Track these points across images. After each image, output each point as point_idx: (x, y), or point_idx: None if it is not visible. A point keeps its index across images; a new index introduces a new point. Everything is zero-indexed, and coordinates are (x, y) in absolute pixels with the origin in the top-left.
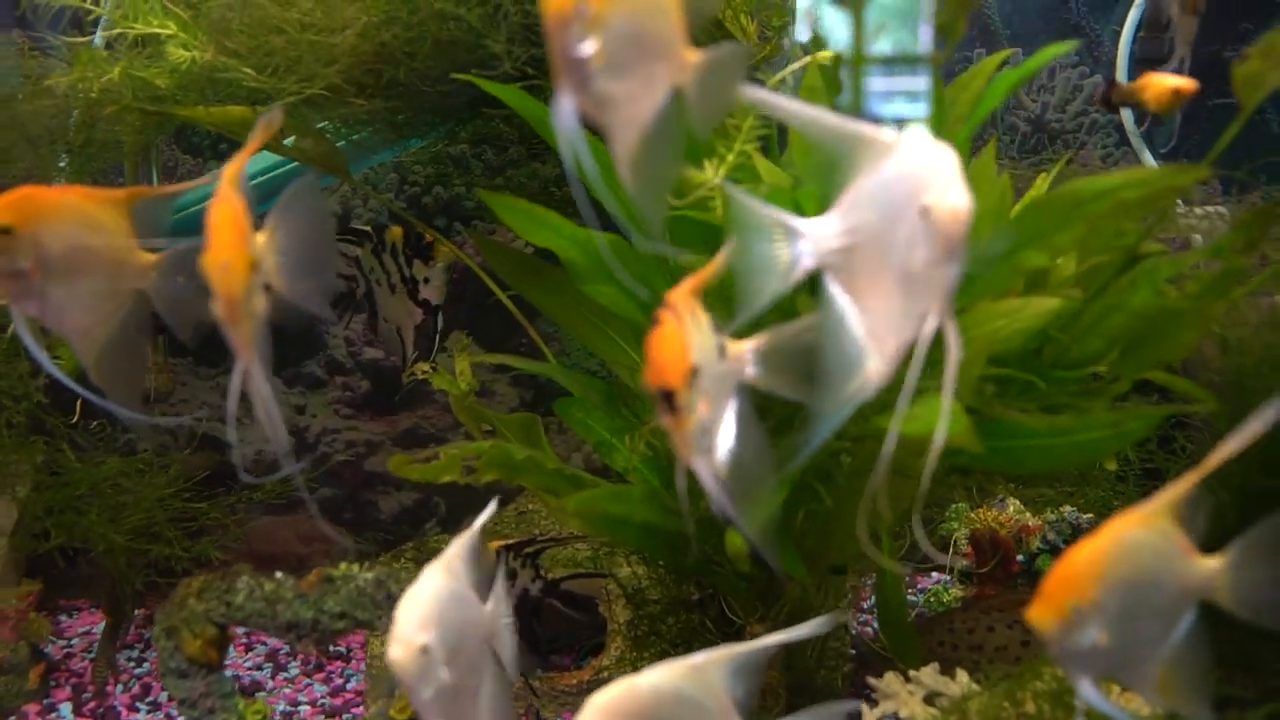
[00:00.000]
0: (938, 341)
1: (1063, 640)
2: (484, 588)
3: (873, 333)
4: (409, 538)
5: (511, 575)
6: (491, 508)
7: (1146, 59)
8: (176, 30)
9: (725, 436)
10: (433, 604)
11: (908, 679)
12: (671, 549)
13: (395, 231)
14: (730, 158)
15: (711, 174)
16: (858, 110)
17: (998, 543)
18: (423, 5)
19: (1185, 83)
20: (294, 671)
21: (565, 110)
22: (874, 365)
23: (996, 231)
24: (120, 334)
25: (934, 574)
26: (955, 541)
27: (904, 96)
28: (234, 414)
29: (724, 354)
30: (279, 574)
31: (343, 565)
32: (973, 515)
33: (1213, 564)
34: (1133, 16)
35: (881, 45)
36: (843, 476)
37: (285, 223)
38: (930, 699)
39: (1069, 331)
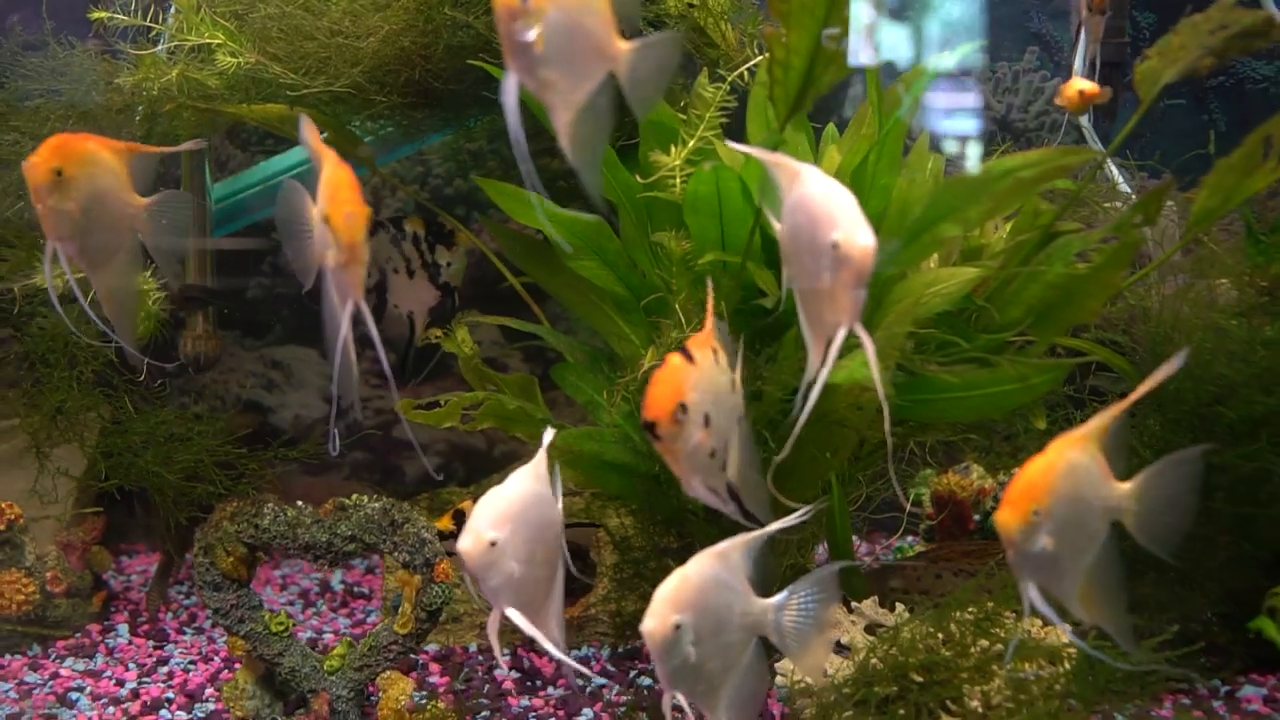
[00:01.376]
0: (881, 307)
1: (1022, 543)
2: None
3: (807, 331)
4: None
5: None
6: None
7: (1106, 62)
8: (225, 39)
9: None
10: (508, 504)
11: (851, 610)
12: (645, 492)
13: (416, 221)
14: (691, 143)
15: (674, 157)
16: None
17: (953, 502)
18: (436, 14)
19: (1090, 87)
20: (322, 608)
21: (510, 89)
22: (811, 359)
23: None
24: (124, 270)
25: (909, 537)
26: (922, 502)
27: (968, 112)
28: (345, 342)
29: (735, 388)
30: (299, 502)
31: (354, 496)
32: (937, 480)
33: (1124, 488)
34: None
35: (946, 61)
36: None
37: None
38: (870, 629)
39: (995, 300)
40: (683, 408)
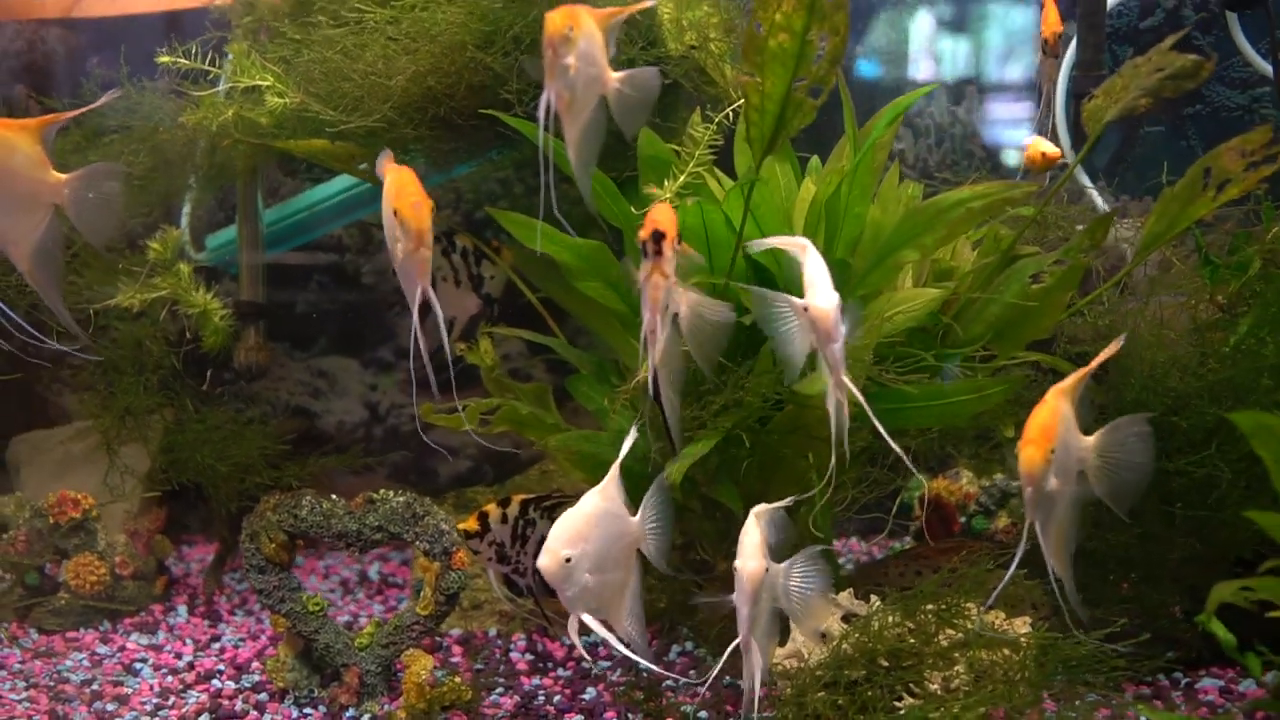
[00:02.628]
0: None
1: (1041, 480)
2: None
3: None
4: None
5: (532, 524)
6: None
7: (1080, 95)
8: (273, 81)
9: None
10: (580, 524)
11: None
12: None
13: (465, 237)
14: (681, 178)
15: (667, 190)
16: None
17: (938, 505)
18: (459, 57)
19: (1052, 150)
20: (360, 595)
21: (548, 98)
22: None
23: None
24: (43, 243)
25: (906, 538)
26: (911, 505)
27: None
28: (415, 327)
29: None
30: (334, 496)
31: (381, 491)
32: (929, 484)
33: (1088, 441)
34: (1069, 56)
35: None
36: (773, 434)
37: None
38: (846, 618)
39: (960, 318)
40: (679, 238)
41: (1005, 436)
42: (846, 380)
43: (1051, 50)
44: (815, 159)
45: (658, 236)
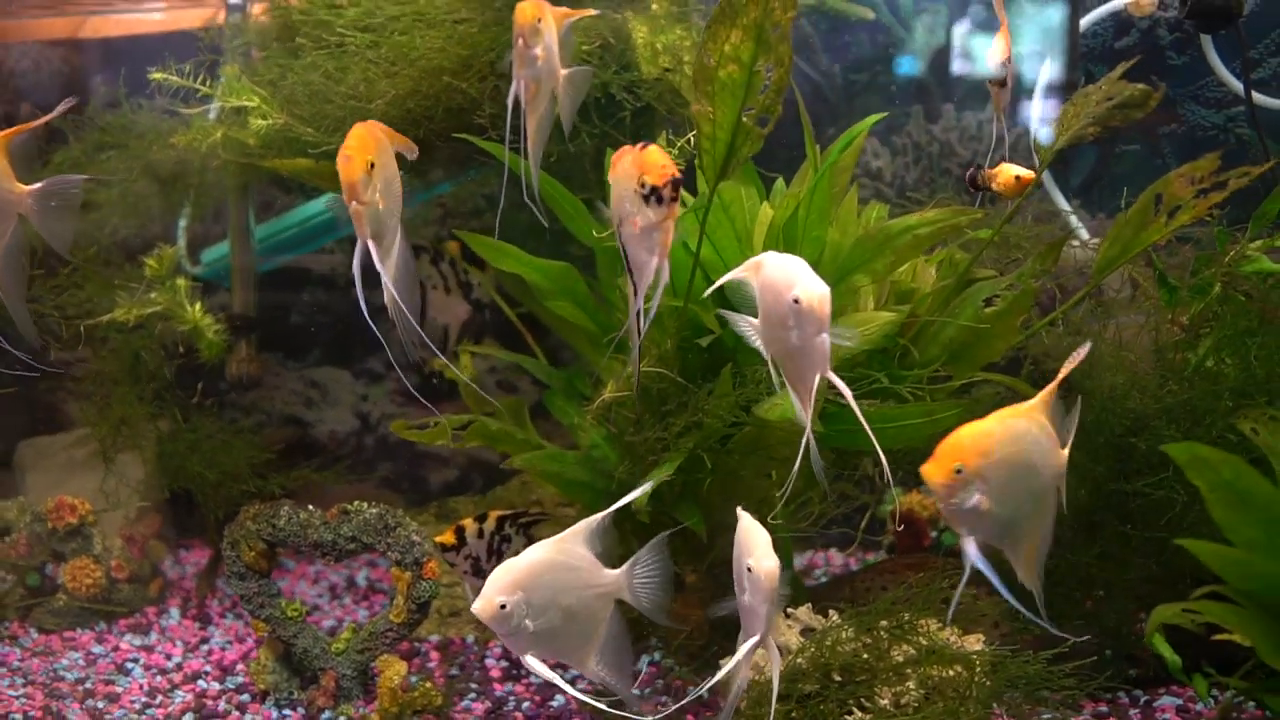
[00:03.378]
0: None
1: (949, 497)
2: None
3: (792, 389)
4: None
5: (507, 539)
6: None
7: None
8: (259, 103)
9: None
10: (518, 573)
11: (788, 615)
12: (598, 507)
13: (453, 246)
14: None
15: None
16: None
17: (910, 520)
18: (436, 81)
19: (1026, 173)
20: (346, 600)
21: (517, 88)
22: (798, 408)
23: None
24: (8, 251)
25: (881, 551)
26: (885, 519)
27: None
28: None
29: None
30: (310, 507)
31: (355, 503)
32: (904, 499)
33: (1062, 455)
34: (1042, 81)
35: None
36: (733, 454)
37: None
38: (805, 632)
39: (919, 340)
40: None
41: None
42: (832, 375)
43: (999, 81)
44: (780, 181)
45: (676, 184)
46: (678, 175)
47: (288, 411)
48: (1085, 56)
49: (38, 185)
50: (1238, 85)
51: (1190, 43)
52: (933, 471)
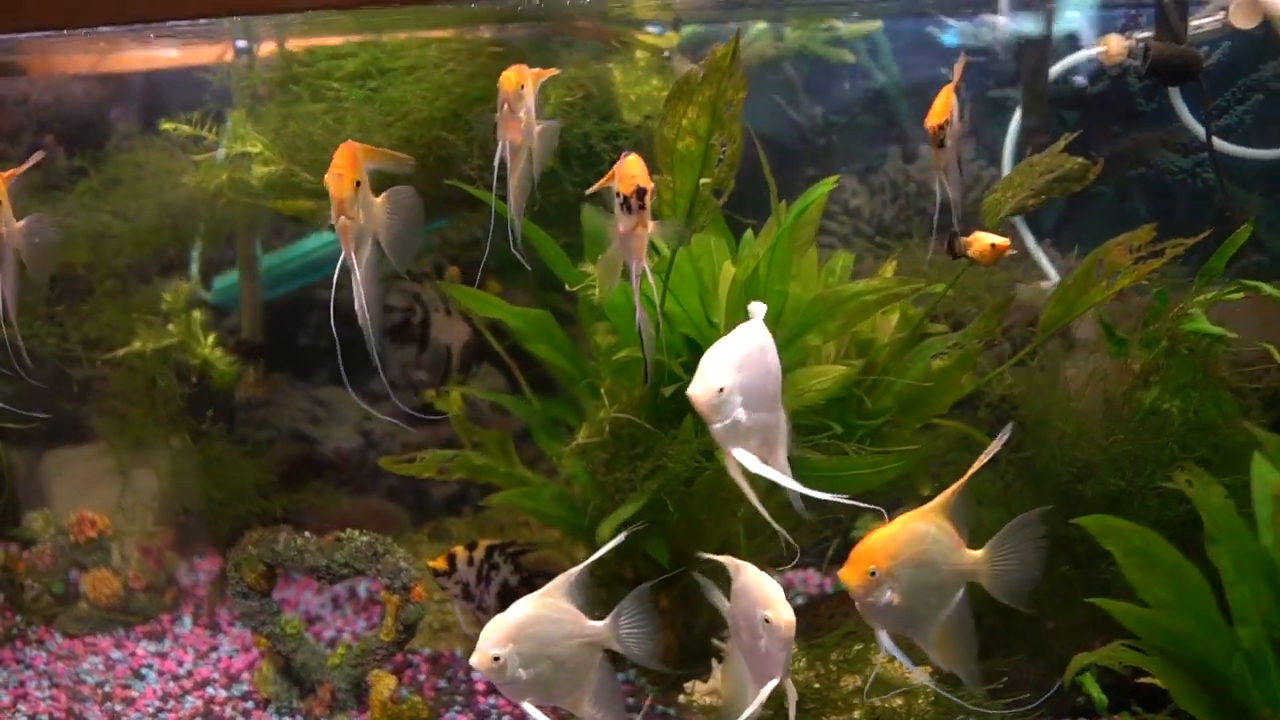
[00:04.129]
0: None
1: (864, 596)
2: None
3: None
4: (455, 516)
5: (496, 567)
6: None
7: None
8: (262, 149)
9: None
10: (507, 628)
11: None
12: (577, 539)
13: (454, 270)
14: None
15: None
16: None
17: None
18: (428, 133)
19: (1001, 241)
20: (347, 611)
21: (503, 150)
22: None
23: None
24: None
25: None
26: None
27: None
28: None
29: None
30: (307, 533)
31: (348, 531)
32: (874, 528)
33: (977, 555)
34: (1015, 122)
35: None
36: (695, 498)
37: None
38: None
39: (870, 393)
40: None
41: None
42: (735, 457)
43: (936, 139)
44: (749, 233)
45: (640, 193)
46: (644, 185)
47: (296, 429)
48: (1055, 103)
49: (23, 223)
50: (1203, 132)
51: (1158, 90)
52: (849, 575)
